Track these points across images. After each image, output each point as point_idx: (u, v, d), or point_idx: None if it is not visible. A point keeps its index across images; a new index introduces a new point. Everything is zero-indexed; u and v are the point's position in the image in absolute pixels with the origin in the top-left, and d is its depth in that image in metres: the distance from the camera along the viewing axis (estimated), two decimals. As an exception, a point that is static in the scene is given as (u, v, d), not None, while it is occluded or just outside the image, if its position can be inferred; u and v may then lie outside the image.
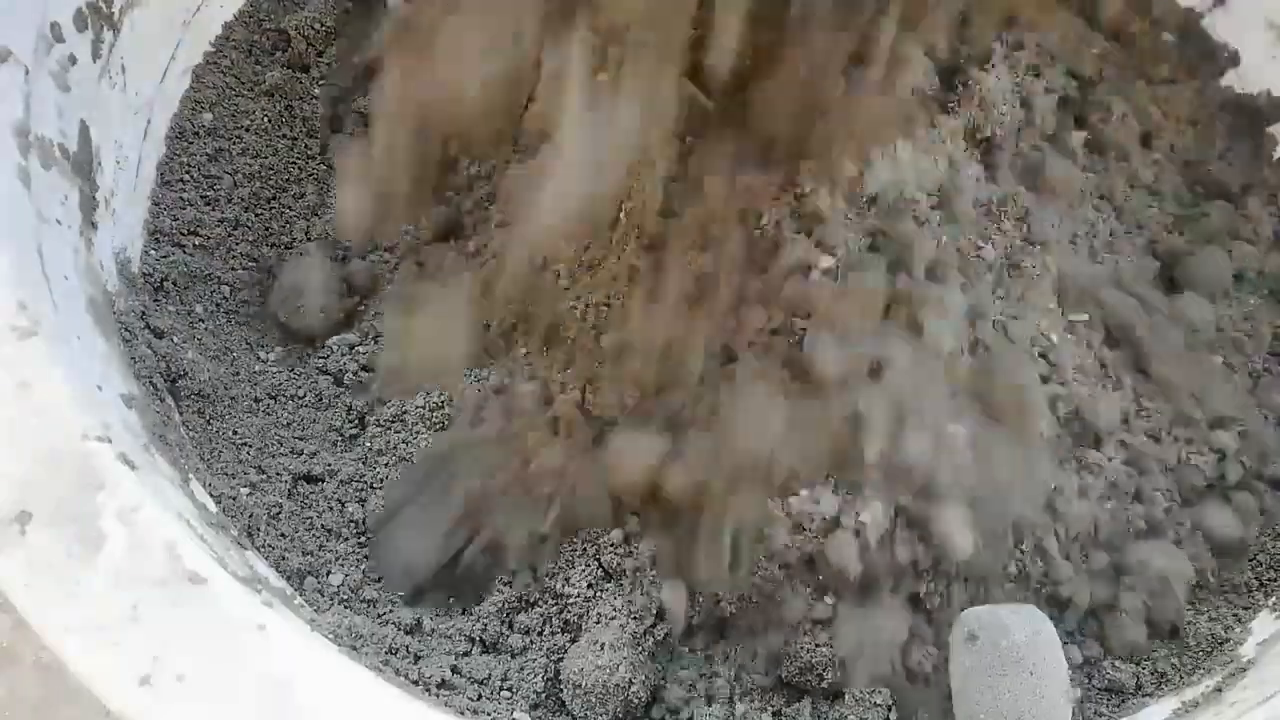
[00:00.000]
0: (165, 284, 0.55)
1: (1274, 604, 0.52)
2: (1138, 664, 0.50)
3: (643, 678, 0.47)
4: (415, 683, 0.45)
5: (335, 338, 0.57)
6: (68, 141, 0.49)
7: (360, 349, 0.56)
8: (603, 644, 0.47)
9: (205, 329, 0.56)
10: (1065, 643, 0.48)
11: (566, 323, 0.51)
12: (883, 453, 0.46)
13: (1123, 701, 0.49)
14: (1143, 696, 0.49)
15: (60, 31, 0.49)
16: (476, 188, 0.57)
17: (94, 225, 0.50)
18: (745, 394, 0.47)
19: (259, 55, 0.64)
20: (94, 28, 0.52)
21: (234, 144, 0.61)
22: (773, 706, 0.48)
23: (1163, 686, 0.50)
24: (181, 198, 0.59)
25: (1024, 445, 0.49)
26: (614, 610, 0.48)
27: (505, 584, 0.50)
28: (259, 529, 0.49)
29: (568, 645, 0.48)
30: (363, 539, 0.51)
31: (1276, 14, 0.68)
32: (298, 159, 0.62)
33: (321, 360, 0.56)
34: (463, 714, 0.44)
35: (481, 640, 0.48)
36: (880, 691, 0.47)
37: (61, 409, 0.37)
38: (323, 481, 0.52)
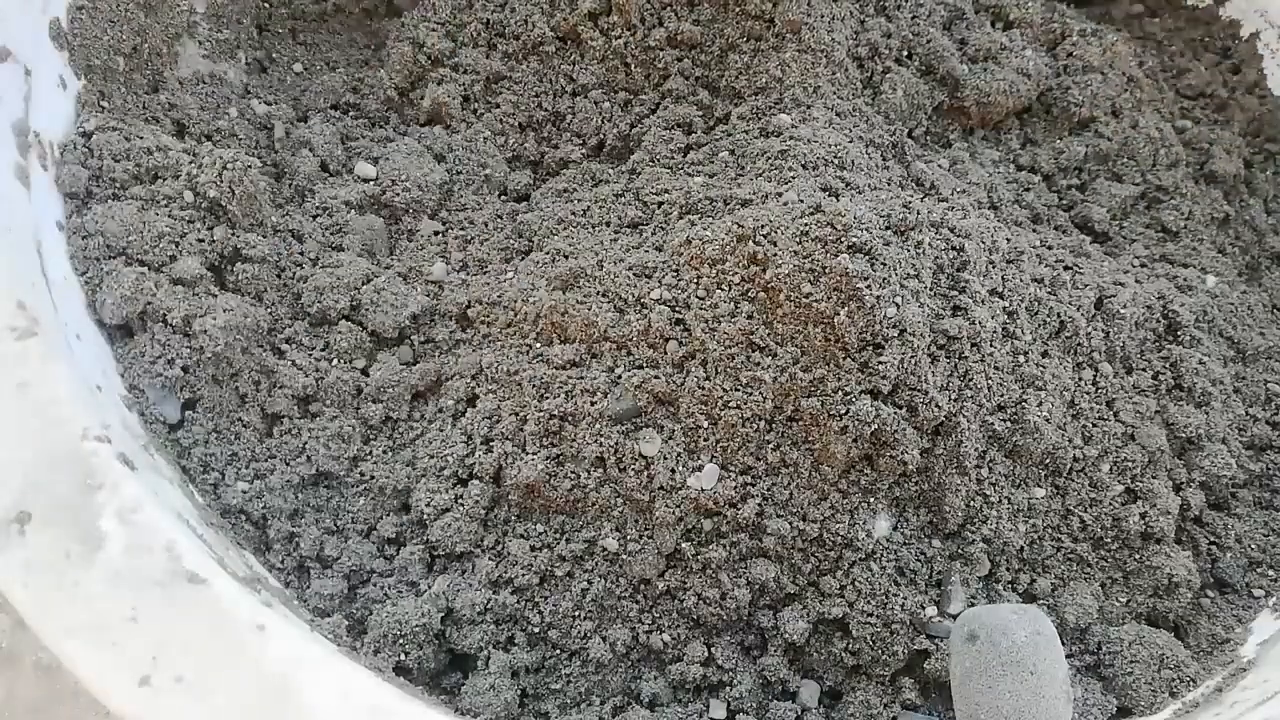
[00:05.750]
0: (165, 284, 0.55)
1: (1274, 604, 0.52)
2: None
3: (650, 674, 0.47)
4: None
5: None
6: (68, 141, 0.49)
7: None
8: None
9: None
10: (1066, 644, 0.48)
11: None
12: None
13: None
14: (1143, 696, 0.49)
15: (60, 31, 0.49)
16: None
17: (94, 225, 0.50)
18: None
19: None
20: (94, 28, 0.52)
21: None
22: (773, 706, 0.48)
23: (1162, 686, 0.50)
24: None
25: None
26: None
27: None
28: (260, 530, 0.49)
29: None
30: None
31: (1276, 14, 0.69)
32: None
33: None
34: (463, 714, 0.44)
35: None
36: (883, 691, 0.47)
37: (61, 409, 0.37)
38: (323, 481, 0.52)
